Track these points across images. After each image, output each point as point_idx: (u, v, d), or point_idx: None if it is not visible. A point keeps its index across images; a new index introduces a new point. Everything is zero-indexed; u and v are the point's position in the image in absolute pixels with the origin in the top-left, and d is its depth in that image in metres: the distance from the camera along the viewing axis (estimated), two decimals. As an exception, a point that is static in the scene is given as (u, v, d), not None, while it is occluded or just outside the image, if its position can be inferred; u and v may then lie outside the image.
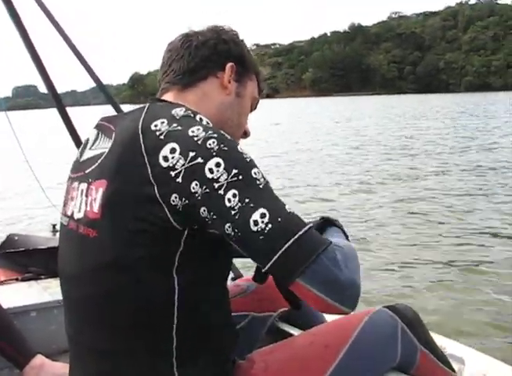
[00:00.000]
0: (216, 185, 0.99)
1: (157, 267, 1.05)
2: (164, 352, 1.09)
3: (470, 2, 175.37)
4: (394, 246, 5.92)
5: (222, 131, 1.08)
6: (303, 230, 1.00)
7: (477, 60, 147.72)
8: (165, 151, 1.02)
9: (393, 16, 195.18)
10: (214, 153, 1.01)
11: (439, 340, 1.81)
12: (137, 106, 1.20)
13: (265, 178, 1.04)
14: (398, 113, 37.85)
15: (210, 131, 1.05)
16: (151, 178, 1.01)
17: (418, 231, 6.49)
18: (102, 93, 2.66)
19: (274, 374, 1.23)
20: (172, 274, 1.06)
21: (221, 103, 1.29)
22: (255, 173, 1.03)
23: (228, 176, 0.99)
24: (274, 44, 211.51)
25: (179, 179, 1.00)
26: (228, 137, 1.07)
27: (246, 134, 1.39)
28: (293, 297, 1.31)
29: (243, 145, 1.25)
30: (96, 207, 1.08)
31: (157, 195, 1.01)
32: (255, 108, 1.41)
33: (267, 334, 1.62)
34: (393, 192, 9.12)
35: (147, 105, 1.16)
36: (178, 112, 1.11)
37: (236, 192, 0.99)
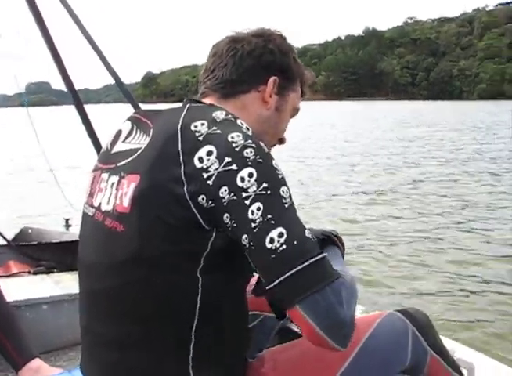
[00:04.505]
0: (244, 194, 0.99)
1: (182, 266, 1.06)
2: (182, 351, 1.09)
3: (487, 9, 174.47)
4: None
5: (261, 142, 1.08)
6: (315, 258, 0.98)
7: (491, 68, 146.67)
8: (201, 153, 1.02)
9: (408, 21, 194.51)
10: (249, 163, 1.01)
11: (449, 344, 1.80)
12: (173, 105, 1.20)
13: (291, 199, 1.04)
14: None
15: (249, 141, 1.05)
16: (183, 177, 1.02)
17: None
18: (121, 91, 2.67)
19: (283, 373, 1.24)
20: (197, 274, 1.06)
21: (259, 115, 1.28)
22: (283, 191, 1.02)
23: (257, 189, 1.00)
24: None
25: (210, 182, 1.01)
26: (266, 150, 1.07)
27: (281, 141, 1.39)
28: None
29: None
30: (126, 202, 1.07)
31: (186, 194, 1.01)
32: (296, 114, 1.39)
33: (278, 334, 1.63)
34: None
35: (187, 105, 1.16)
36: (219, 115, 1.10)
37: (261, 206, 0.99)
